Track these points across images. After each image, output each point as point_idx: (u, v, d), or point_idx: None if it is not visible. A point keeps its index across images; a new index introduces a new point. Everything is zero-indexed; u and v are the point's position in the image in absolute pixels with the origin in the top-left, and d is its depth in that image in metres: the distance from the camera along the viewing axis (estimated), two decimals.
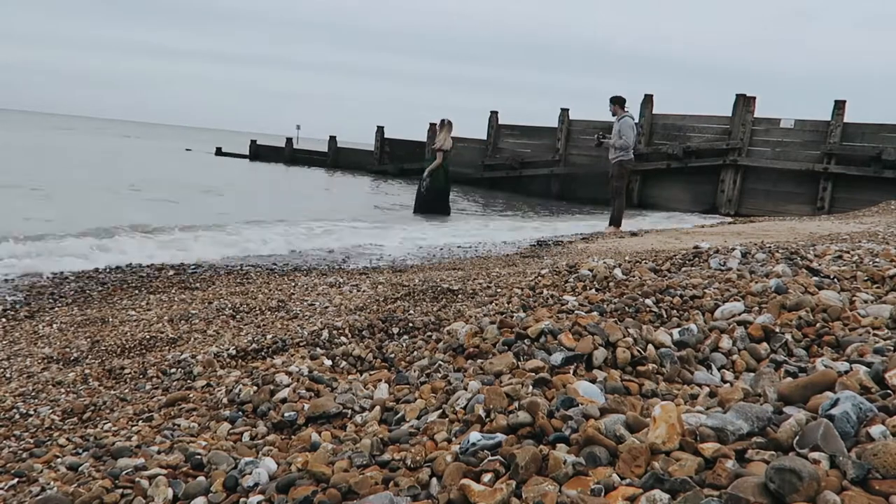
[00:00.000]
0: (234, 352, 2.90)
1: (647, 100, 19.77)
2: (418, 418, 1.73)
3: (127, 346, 3.33)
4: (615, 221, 10.03)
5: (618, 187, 10.22)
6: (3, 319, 4.13)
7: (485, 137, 23.81)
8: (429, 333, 2.87)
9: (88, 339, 3.54)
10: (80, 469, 1.74)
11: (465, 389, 1.77)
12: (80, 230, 7.87)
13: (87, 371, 2.89)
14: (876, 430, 1.13)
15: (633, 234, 9.07)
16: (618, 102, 9.92)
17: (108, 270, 5.88)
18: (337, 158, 30.43)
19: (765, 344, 2.00)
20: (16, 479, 1.72)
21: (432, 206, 13.25)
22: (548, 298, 2.85)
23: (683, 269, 3.23)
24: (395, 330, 3.03)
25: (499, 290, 4.19)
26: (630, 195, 19.88)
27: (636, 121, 10.37)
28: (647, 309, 2.38)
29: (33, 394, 2.62)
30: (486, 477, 1.23)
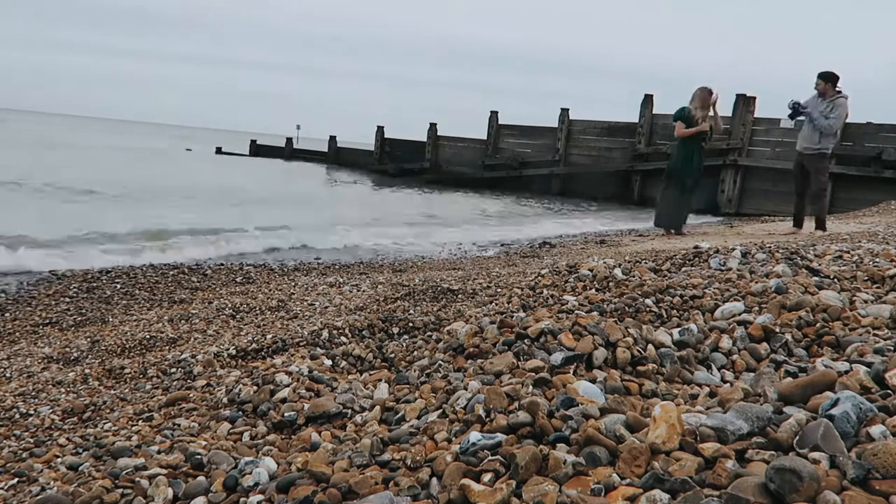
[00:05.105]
0: (234, 352, 2.90)
1: (647, 100, 19.78)
2: (418, 418, 1.73)
3: (127, 346, 3.33)
4: (822, 224, 8.00)
5: (823, 182, 8.02)
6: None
7: (485, 137, 23.82)
8: (429, 333, 2.87)
9: (88, 339, 3.54)
10: (80, 469, 1.74)
11: (466, 389, 1.77)
12: None
13: (87, 371, 2.89)
14: (876, 430, 1.13)
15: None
16: (830, 80, 7.29)
17: None
18: (337, 158, 30.46)
19: (765, 344, 2.00)
20: (16, 479, 1.72)
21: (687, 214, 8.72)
22: (548, 298, 2.85)
23: (683, 269, 3.23)
24: (396, 330, 3.03)
25: (499, 289, 4.19)
26: (630, 194, 19.89)
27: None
28: (647, 309, 2.38)
29: (33, 393, 2.61)
30: (487, 477, 1.23)
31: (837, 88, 7.26)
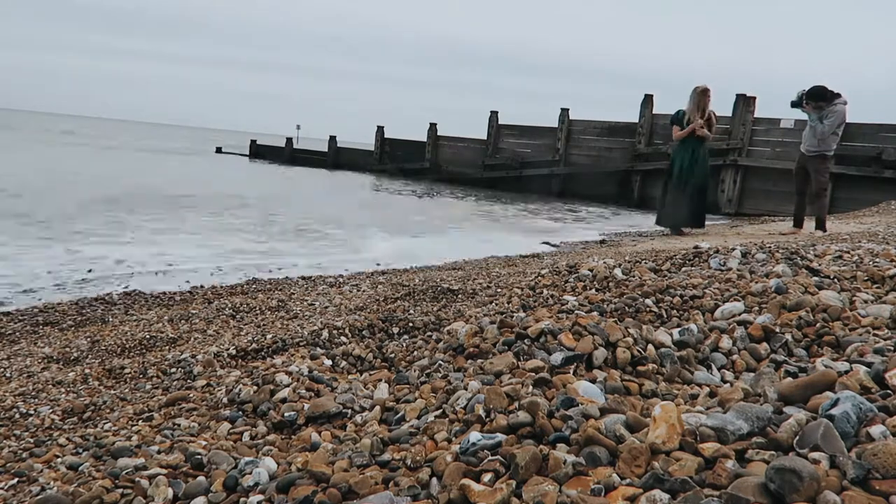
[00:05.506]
0: (234, 351, 2.90)
1: (647, 100, 19.79)
2: (418, 418, 1.73)
3: (127, 346, 3.33)
4: (822, 224, 7.98)
5: (823, 182, 8.02)
6: None
7: (485, 137, 23.82)
8: (429, 333, 2.87)
9: (88, 339, 3.54)
10: (80, 469, 1.74)
11: (466, 389, 1.77)
12: None
13: (87, 371, 2.89)
14: (876, 430, 1.13)
15: None
16: (822, 98, 7.55)
17: None
18: (337, 158, 30.45)
19: (765, 344, 2.00)
20: (16, 479, 1.72)
21: (689, 213, 8.71)
22: (548, 298, 2.85)
23: (683, 269, 3.23)
24: (396, 330, 3.03)
25: (499, 289, 4.19)
26: (630, 195, 19.90)
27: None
28: (647, 309, 2.38)
29: (33, 393, 2.61)
30: (487, 477, 1.23)
31: (837, 93, 7.61)
